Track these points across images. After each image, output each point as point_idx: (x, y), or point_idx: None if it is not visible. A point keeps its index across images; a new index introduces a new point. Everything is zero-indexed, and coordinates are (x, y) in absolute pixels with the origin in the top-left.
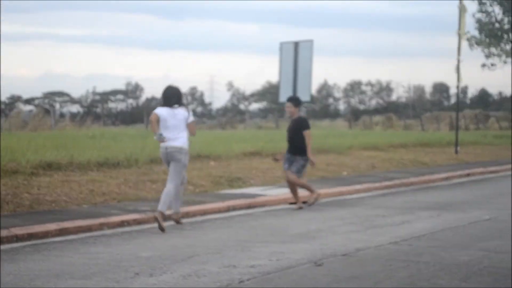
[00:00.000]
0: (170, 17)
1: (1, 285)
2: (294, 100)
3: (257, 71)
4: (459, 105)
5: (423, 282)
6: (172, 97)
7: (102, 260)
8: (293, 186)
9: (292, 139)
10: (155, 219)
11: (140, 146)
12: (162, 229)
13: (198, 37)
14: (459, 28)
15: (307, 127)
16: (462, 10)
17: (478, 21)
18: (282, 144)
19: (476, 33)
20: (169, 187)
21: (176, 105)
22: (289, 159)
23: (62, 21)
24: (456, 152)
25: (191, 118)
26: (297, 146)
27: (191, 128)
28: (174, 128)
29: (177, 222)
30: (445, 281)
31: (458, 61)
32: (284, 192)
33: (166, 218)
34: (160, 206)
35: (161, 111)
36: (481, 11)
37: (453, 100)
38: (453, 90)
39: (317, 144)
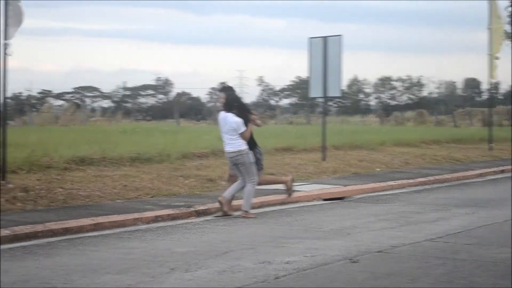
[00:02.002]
0: (199, 12)
1: (39, 279)
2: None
3: (286, 66)
4: (492, 101)
5: (460, 279)
6: (227, 104)
7: (137, 255)
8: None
9: None
10: (243, 216)
11: (171, 141)
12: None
13: (227, 32)
14: (490, 24)
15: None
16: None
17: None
18: (313, 139)
19: (508, 27)
20: (249, 188)
21: (231, 112)
22: None
23: (91, 16)
24: (490, 148)
25: (242, 129)
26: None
27: (242, 138)
28: (227, 133)
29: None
30: (482, 279)
31: (490, 56)
32: (317, 188)
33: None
34: (245, 207)
35: (218, 118)
36: None
37: (484, 95)
38: (484, 86)
39: (349, 140)
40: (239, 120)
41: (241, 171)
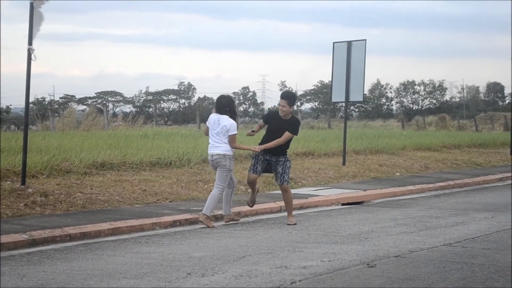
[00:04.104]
0: (222, 17)
1: (56, 284)
2: (291, 99)
3: (309, 71)
4: None
5: (477, 284)
6: (221, 106)
7: (154, 259)
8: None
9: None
10: (200, 221)
11: (192, 146)
12: (211, 227)
13: (250, 37)
14: None
15: (294, 132)
16: None
17: None
18: (334, 143)
19: None
20: (215, 192)
21: (224, 114)
22: (268, 160)
23: (115, 21)
24: (511, 153)
25: (232, 132)
26: (283, 148)
27: (230, 140)
28: (217, 135)
29: (231, 220)
30: (500, 284)
31: None
32: (336, 192)
33: (212, 219)
34: (204, 210)
35: (210, 119)
36: None
37: (507, 100)
38: (507, 90)
39: (370, 144)
40: (234, 122)
41: (216, 175)
